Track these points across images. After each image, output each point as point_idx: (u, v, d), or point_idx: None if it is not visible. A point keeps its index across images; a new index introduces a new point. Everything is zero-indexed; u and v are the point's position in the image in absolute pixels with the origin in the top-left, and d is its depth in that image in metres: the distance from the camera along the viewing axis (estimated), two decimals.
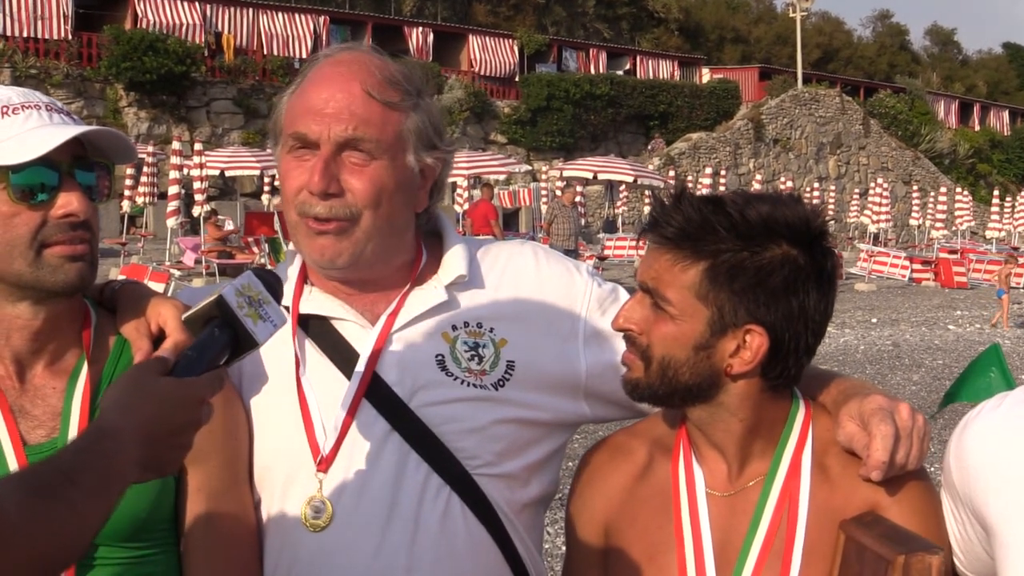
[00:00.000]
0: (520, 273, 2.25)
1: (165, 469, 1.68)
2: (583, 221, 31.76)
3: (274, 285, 1.80)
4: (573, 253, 22.81)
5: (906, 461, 1.90)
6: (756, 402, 1.98)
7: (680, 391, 1.96)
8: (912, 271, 32.76)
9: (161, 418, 1.62)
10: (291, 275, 2.22)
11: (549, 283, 2.24)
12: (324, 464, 2.08)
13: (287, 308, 2.17)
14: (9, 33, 36.03)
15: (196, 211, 25.95)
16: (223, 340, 1.72)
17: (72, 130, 1.89)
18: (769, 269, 1.89)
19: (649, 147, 47.39)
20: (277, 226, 24.09)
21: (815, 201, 36.75)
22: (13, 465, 1.90)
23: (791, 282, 1.90)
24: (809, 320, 1.93)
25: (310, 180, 2.06)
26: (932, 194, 43.16)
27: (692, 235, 1.90)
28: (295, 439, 2.10)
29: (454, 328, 2.17)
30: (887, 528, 1.87)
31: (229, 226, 27.02)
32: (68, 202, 1.90)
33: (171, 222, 25.05)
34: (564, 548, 2.27)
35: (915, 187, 45.82)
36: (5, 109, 1.90)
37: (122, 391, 1.64)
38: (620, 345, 2.16)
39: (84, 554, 1.80)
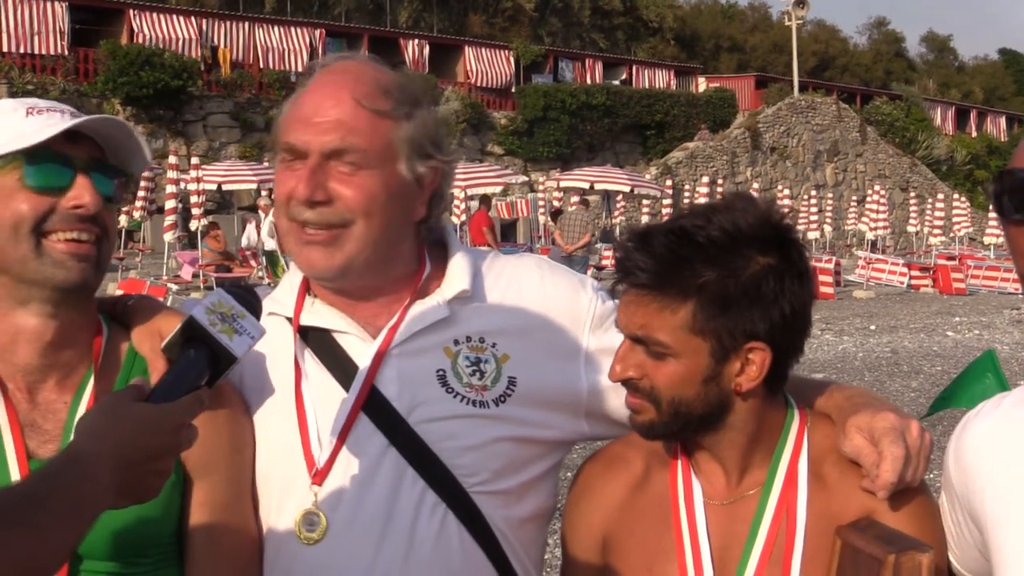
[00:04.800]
0: (524, 287, 2.23)
1: (143, 495, 1.67)
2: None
3: (248, 299, 1.82)
4: (583, 261, 23.05)
5: (911, 479, 1.92)
6: (760, 413, 2.00)
7: (694, 423, 1.97)
8: (910, 278, 32.71)
9: (136, 444, 1.61)
10: (293, 286, 2.21)
11: (553, 299, 2.23)
12: (319, 477, 2.07)
13: (289, 319, 2.18)
14: (5, 49, 36.07)
15: (193, 225, 25.94)
16: (201, 361, 1.74)
17: (78, 120, 1.93)
18: (754, 285, 1.90)
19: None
20: (275, 239, 24.06)
21: (812, 209, 36.67)
22: (16, 479, 1.90)
23: (776, 290, 1.91)
24: (799, 319, 1.96)
25: (296, 188, 2.06)
26: (930, 201, 43.12)
27: (670, 276, 1.90)
28: (292, 450, 2.09)
29: (456, 343, 2.15)
30: (880, 530, 1.89)
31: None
32: (79, 194, 1.92)
33: (168, 236, 25.05)
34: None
35: (912, 194, 45.82)
36: (30, 110, 1.95)
37: (96, 417, 1.64)
38: None
39: None
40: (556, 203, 32.45)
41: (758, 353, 1.93)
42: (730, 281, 1.89)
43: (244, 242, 27.34)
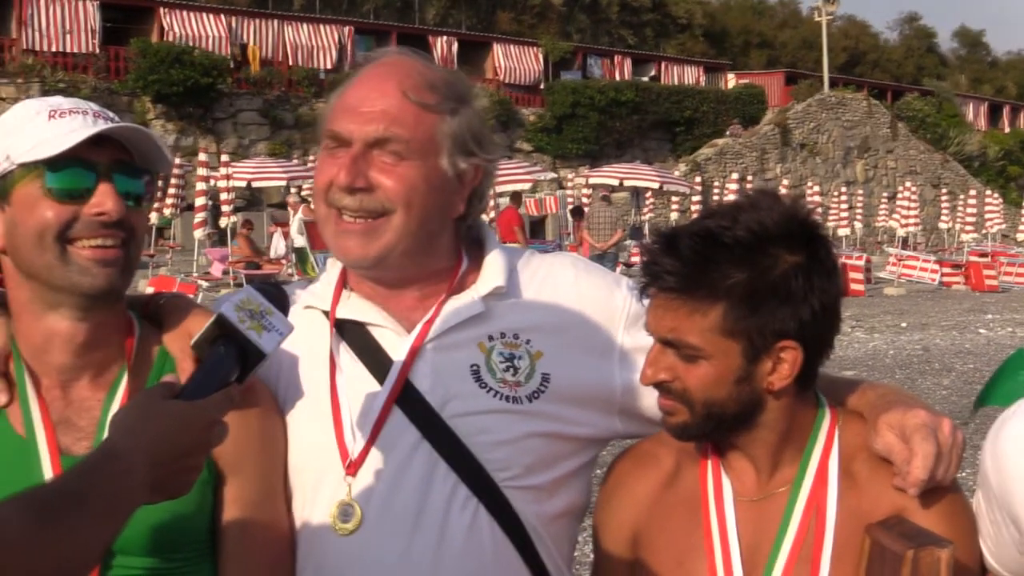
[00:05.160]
0: (559, 285, 2.24)
1: (175, 491, 1.69)
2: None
3: (277, 296, 1.84)
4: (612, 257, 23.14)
5: (943, 477, 1.91)
6: (791, 411, 1.99)
7: (727, 423, 1.97)
8: (942, 275, 32.51)
9: (168, 441, 1.63)
10: (331, 280, 2.23)
11: (588, 296, 2.23)
12: (353, 468, 2.08)
13: (325, 313, 2.19)
14: (38, 48, 36.38)
15: (223, 222, 26.07)
16: (230, 357, 1.76)
17: (99, 127, 1.92)
18: (783, 284, 1.89)
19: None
20: (304, 236, 24.16)
21: (842, 206, 36.47)
22: (49, 476, 1.92)
23: (806, 288, 1.90)
24: (828, 314, 1.94)
25: (337, 174, 2.08)
26: (961, 197, 42.88)
27: (698, 279, 1.89)
28: (326, 442, 2.11)
29: (490, 339, 2.16)
30: (906, 528, 1.88)
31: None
32: (101, 201, 1.91)
33: (198, 233, 25.17)
34: (592, 557, 2.26)
35: (944, 190, 45.65)
36: (53, 112, 1.95)
37: (129, 414, 1.66)
38: None
39: (90, 573, 1.83)
40: (585, 199, 32.38)
41: (789, 352, 1.92)
42: (759, 281, 1.88)
43: (272, 253, 27.29)
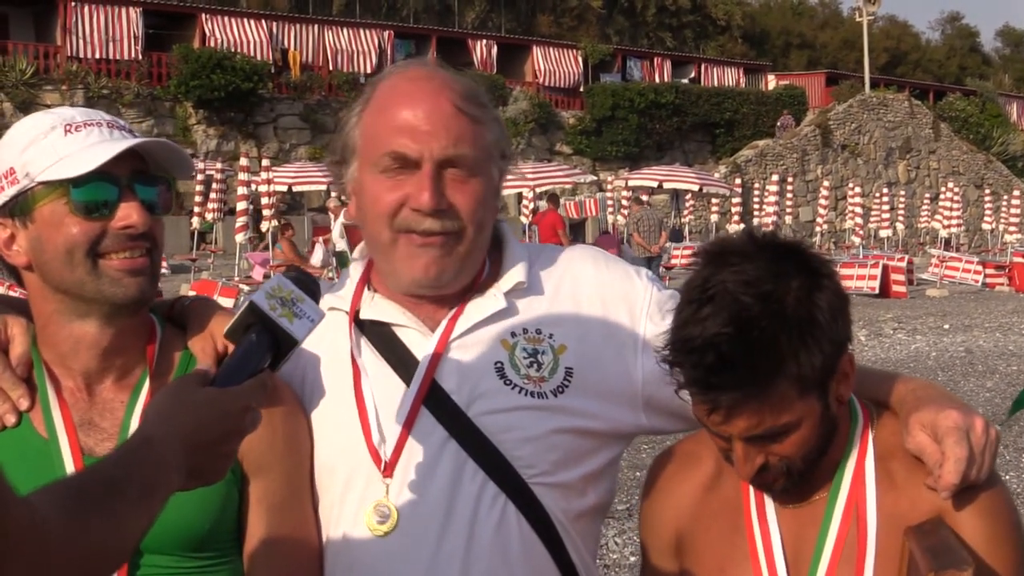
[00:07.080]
0: (579, 278, 2.24)
1: (210, 478, 1.71)
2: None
3: (307, 283, 1.84)
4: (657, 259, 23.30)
5: (976, 479, 1.89)
6: (842, 413, 1.99)
7: (817, 457, 1.95)
8: (985, 276, 32.20)
9: (203, 427, 1.65)
10: (353, 281, 2.24)
11: (608, 288, 2.23)
12: (388, 469, 2.09)
13: (347, 313, 2.20)
14: (82, 55, 36.79)
15: (264, 226, 26.21)
16: (263, 345, 1.77)
17: (125, 143, 1.93)
18: (813, 307, 1.84)
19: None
20: (344, 240, 24.25)
21: (884, 207, 36.01)
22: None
23: (825, 291, 1.87)
24: (846, 299, 1.92)
25: (418, 198, 2.06)
26: (1005, 198, 42.48)
27: (762, 371, 1.81)
28: (354, 442, 2.11)
29: (513, 335, 2.17)
30: (936, 540, 1.84)
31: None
32: (127, 215, 1.93)
33: (240, 237, 25.32)
34: (631, 559, 2.26)
35: (987, 191, 45.13)
36: (68, 127, 1.94)
37: (164, 401, 1.68)
38: None
39: (126, 561, 1.86)
40: (624, 201, 32.26)
41: (846, 360, 1.91)
42: (801, 325, 1.83)
43: (313, 261, 27.25)
